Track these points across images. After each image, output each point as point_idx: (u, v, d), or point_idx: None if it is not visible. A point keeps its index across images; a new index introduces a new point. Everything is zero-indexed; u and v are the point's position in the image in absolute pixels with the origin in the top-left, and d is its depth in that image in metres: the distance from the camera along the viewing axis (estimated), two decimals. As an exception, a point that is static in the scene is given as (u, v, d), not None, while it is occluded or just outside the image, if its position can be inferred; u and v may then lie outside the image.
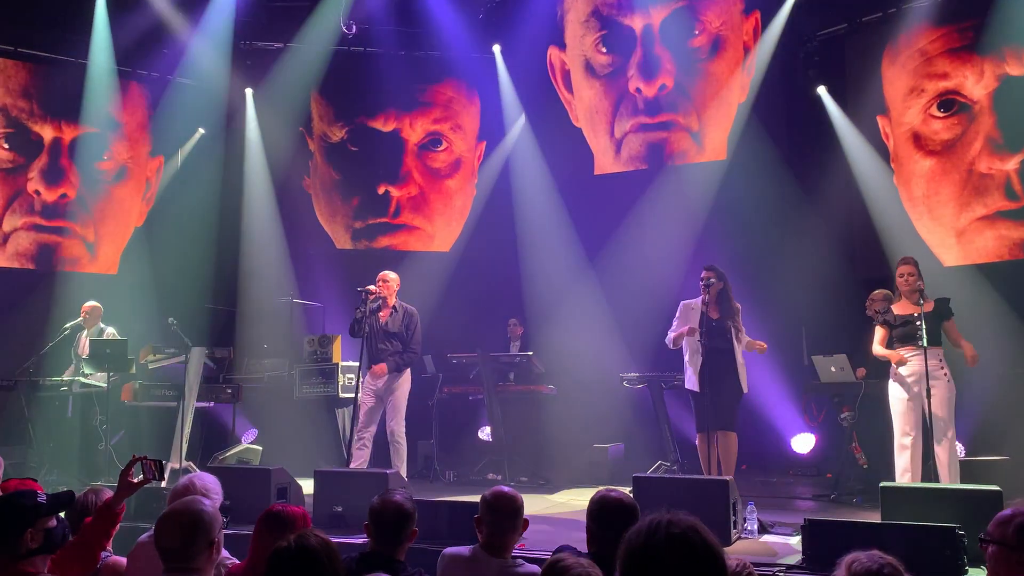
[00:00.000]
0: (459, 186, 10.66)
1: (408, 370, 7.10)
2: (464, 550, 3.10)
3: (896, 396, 5.87)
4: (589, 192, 9.75)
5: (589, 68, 9.93)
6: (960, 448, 6.26)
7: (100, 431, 7.65)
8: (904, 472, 5.75)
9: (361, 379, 6.82)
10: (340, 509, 5.32)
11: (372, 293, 6.98)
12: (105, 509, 3.00)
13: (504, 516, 3.09)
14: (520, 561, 3.04)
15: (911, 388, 5.77)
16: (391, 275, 7.20)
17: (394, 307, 7.15)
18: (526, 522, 3.18)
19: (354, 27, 9.83)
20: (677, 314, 6.45)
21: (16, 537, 2.64)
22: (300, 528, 3.01)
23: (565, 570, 2.22)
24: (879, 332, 6.01)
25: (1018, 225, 7.75)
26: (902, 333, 5.85)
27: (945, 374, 5.71)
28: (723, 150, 9.23)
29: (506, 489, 3.20)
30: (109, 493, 3.39)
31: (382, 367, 6.92)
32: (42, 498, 2.76)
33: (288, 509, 3.11)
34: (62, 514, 2.88)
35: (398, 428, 6.93)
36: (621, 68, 9.70)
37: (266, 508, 3.16)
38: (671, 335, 6.43)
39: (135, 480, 3.14)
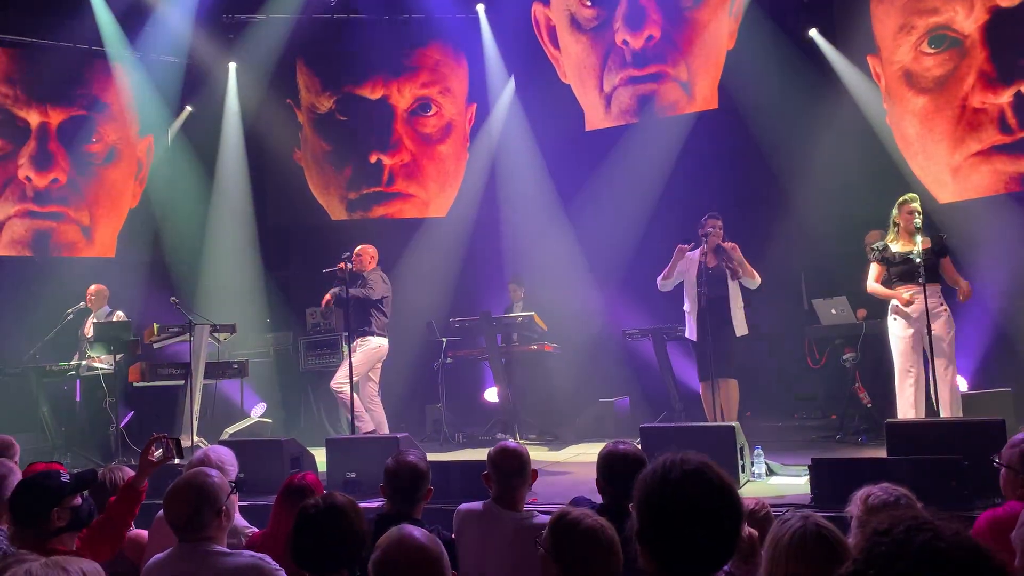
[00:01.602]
0: (451, 151, 10.60)
1: (369, 337, 7.25)
2: (477, 505, 3.16)
3: (896, 334, 5.88)
4: (582, 148, 9.71)
5: (575, 23, 9.82)
6: (963, 382, 6.33)
7: (109, 413, 7.71)
8: (907, 409, 5.79)
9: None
10: (354, 475, 5.38)
11: (342, 270, 7.10)
12: (128, 488, 3.06)
13: (510, 470, 3.14)
14: (535, 512, 3.10)
15: (912, 325, 5.78)
16: (366, 248, 7.45)
17: (364, 277, 7.37)
18: (535, 473, 3.23)
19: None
20: (673, 258, 6.52)
21: (43, 516, 2.70)
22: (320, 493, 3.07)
23: (574, 524, 2.25)
24: (875, 269, 5.98)
25: (1013, 158, 7.73)
26: (902, 271, 5.82)
27: (945, 310, 5.73)
28: (714, 99, 9.17)
29: (510, 443, 3.25)
30: (129, 471, 3.45)
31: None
32: (65, 477, 2.81)
33: (307, 479, 3.17)
34: (86, 493, 2.92)
35: (333, 383, 7.23)
36: (607, 21, 9.59)
37: (285, 480, 3.22)
38: (660, 279, 6.58)
39: (155, 459, 3.19)
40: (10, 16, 9.36)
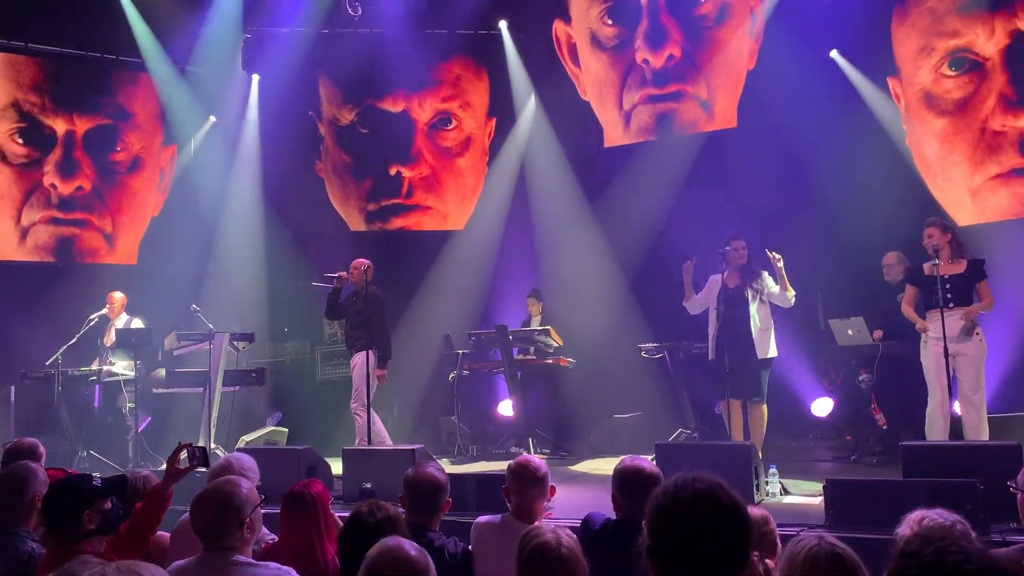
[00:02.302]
0: (470, 164, 10.68)
1: (367, 352, 7.22)
2: (495, 518, 3.19)
3: (924, 355, 5.89)
4: (600, 165, 9.76)
5: (595, 41, 9.89)
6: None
7: (128, 418, 7.80)
8: (936, 434, 5.76)
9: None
10: (369, 485, 5.43)
11: (341, 280, 7.21)
12: (154, 494, 3.11)
13: (530, 483, 3.17)
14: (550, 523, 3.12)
15: (936, 347, 5.77)
16: (361, 262, 7.43)
17: (358, 290, 7.36)
18: (553, 488, 3.26)
19: (359, 8, 9.83)
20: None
21: (75, 518, 2.75)
22: (321, 504, 3.13)
23: (542, 548, 2.31)
24: (908, 291, 6.05)
25: (1033, 182, 7.72)
26: (929, 293, 5.85)
27: (977, 334, 5.71)
28: (733, 118, 9.20)
29: (531, 458, 3.30)
30: (154, 477, 3.51)
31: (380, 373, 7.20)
32: (97, 481, 2.87)
33: (311, 487, 3.21)
34: (115, 497, 2.98)
35: (352, 404, 7.23)
36: (627, 39, 9.66)
37: (289, 488, 3.27)
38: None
39: (182, 467, 3.24)
40: (38, 26, 9.52)
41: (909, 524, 2.47)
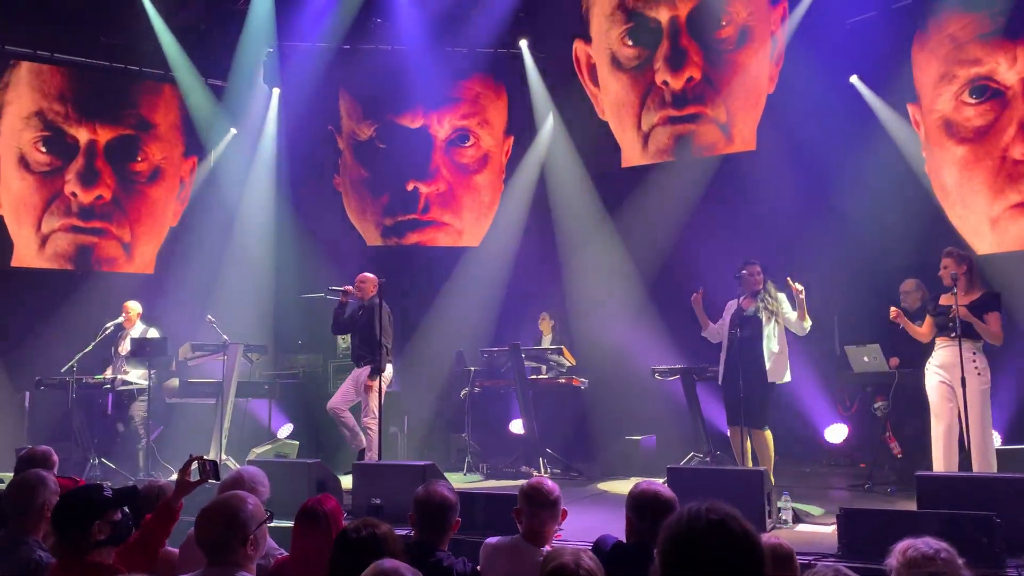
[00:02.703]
0: (487, 181, 10.72)
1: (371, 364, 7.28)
2: (505, 540, 3.17)
3: (931, 385, 5.87)
4: (617, 185, 9.77)
5: (615, 61, 9.93)
6: (997, 436, 6.23)
7: (140, 427, 7.82)
8: (940, 462, 5.74)
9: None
10: (379, 501, 5.40)
11: (347, 294, 7.28)
12: (164, 507, 3.11)
13: (542, 506, 3.15)
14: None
15: (944, 378, 5.77)
16: (368, 276, 7.48)
17: (366, 306, 7.39)
18: (564, 512, 3.24)
19: (381, 22, 9.91)
20: (694, 309, 6.56)
21: (86, 528, 2.75)
22: (334, 520, 3.11)
23: (561, 570, 2.27)
24: (925, 321, 6.03)
25: (1054, 212, 7.66)
26: (941, 322, 5.85)
27: (975, 366, 5.66)
28: (752, 140, 9.20)
29: (544, 480, 3.28)
30: (167, 486, 3.51)
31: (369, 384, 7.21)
32: (108, 491, 2.87)
33: (324, 503, 3.20)
34: (126, 508, 2.98)
35: (364, 418, 7.25)
36: (647, 61, 9.69)
37: (303, 504, 3.25)
38: (702, 333, 6.66)
39: (192, 480, 3.24)
40: (65, 36, 9.65)
41: (895, 555, 2.46)
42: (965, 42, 8.09)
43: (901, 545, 2.46)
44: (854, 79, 8.64)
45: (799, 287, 6.12)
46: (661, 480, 4.25)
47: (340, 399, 7.41)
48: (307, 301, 9.83)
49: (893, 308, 6.21)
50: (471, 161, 10.73)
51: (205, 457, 3.23)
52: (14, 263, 9.50)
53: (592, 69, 10.13)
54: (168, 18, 9.71)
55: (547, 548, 3.10)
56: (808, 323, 6.27)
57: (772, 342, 6.28)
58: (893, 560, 2.45)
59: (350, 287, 7.36)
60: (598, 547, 3.03)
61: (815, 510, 5.57)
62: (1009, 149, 7.85)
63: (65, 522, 2.77)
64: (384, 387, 7.25)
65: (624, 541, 2.94)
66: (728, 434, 6.57)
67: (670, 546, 1.70)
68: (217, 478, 3.25)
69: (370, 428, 7.18)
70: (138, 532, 3.01)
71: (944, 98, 8.20)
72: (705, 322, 6.62)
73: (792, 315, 6.29)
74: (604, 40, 9.99)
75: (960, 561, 2.41)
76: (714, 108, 9.38)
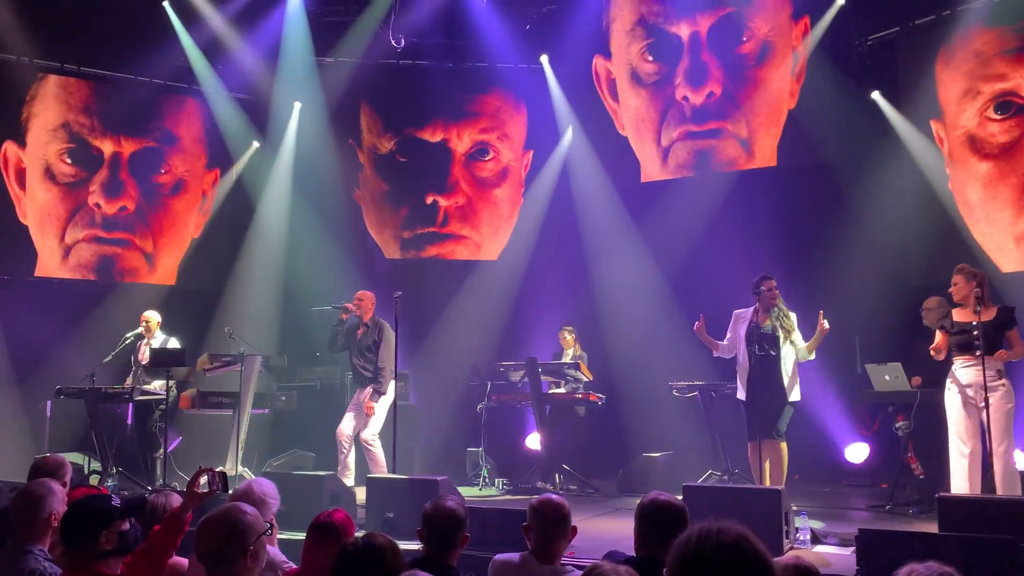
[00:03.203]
0: (506, 195, 10.74)
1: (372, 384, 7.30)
2: (514, 556, 3.14)
3: (952, 405, 5.78)
4: (636, 200, 9.74)
5: (635, 77, 9.92)
6: (1021, 458, 6.12)
7: (158, 437, 7.85)
8: (961, 484, 5.64)
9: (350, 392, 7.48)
10: (392, 515, 5.39)
11: (347, 312, 7.34)
12: (172, 518, 3.10)
13: (552, 523, 3.11)
14: (570, 568, 3.07)
15: (967, 398, 5.68)
16: (367, 294, 7.53)
17: (367, 324, 7.43)
18: (574, 529, 3.20)
19: (403, 41, 9.99)
20: (730, 325, 6.47)
21: (92, 538, 2.75)
22: (345, 533, 3.09)
23: None
24: (937, 337, 5.93)
25: (1080, 229, 7.53)
26: (959, 341, 5.75)
27: (1003, 384, 5.58)
28: (772, 156, 9.14)
29: (554, 496, 3.24)
30: (177, 497, 3.50)
31: (369, 406, 7.21)
32: (116, 501, 2.87)
33: (335, 516, 3.18)
34: (134, 518, 2.98)
35: (367, 435, 7.24)
36: (668, 76, 9.67)
37: (314, 518, 3.24)
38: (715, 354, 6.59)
39: (201, 491, 3.23)
40: (92, 50, 9.80)
41: None
42: (990, 57, 8.01)
43: (904, 570, 2.40)
44: (876, 95, 8.57)
45: (826, 325, 6.04)
46: (677, 497, 4.19)
47: (345, 424, 7.37)
48: (325, 314, 9.89)
49: (916, 377, 6.22)
50: (490, 175, 10.75)
51: (215, 469, 3.23)
52: (38, 273, 9.61)
53: (612, 84, 10.13)
54: (193, 32, 9.83)
55: (557, 565, 3.06)
56: (812, 356, 6.23)
57: (788, 362, 6.21)
58: None
59: (350, 304, 7.37)
60: (611, 558, 2.98)
61: (815, 523, 5.47)
62: (1035, 166, 7.74)
63: (72, 532, 2.77)
64: (385, 407, 7.25)
65: (634, 556, 2.89)
66: (748, 451, 6.48)
67: (679, 566, 1.65)
68: (226, 490, 3.24)
69: (371, 446, 7.19)
70: (145, 543, 3.01)
71: (968, 114, 8.11)
72: (714, 344, 6.55)
73: (801, 342, 6.21)
74: (624, 55, 9.99)
75: None
76: (734, 124, 9.34)
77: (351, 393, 8.52)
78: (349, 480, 7.14)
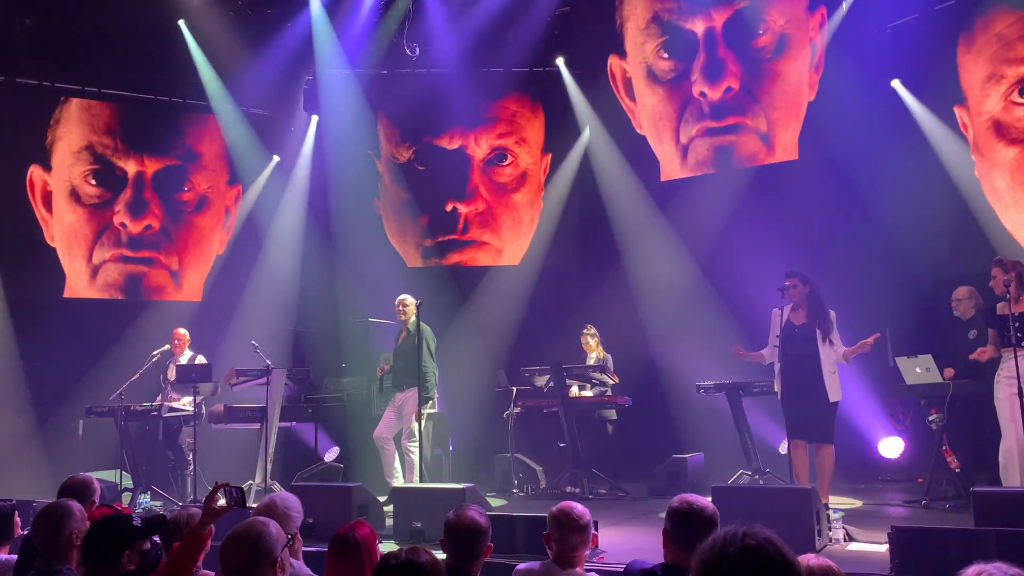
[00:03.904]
0: (526, 199, 10.71)
1: (415, 388, 7.32)
2: (535, 565, 3.11)
3: (999, 397, 5.74)
4: (656, 199, 9.67)
5: (651, 75, 9.86)
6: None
7: (188, 454, 7.92)
8: (1010, 477, 5.54)
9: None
10: (419, 525, 5.38)
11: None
12: (192, 534, 3.10)
13: (571, 531, 3.08)
14: (593, 574, 3.03)
15: (1006, 390, 5.60)
16: (407, 298, 7.67)
17: (408, 328, 7.57)
18: (595, 537, 3.16)
19: (417, 50, 10.01)
20: (771, 324, 6.35)
21: (115, 559, 2.76)
22: (366, 546, 3.07)
23: None
24: (989, 335, 5.90)
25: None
26: (999, 333, 5.70)
27: None
28: (794, 150, 9.04)
29: (573, 504, 3.20)
30: (198, 512, 3.51)
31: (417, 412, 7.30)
32: (137, 521, 2.88)
33: (357, 531, 3.16)
34: (156, 537, 2.99)
35: (406, 441, 7.39)
36: (684, 73, 9.60)
37: (336, 531, 3.22)
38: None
39: (219, 506, 3.23)
40: (112, 72, 9.95)
41: None
42: (1013, 40, 7.85)
43: (971, 571, 2.32)
44: (896, 83, 8.44)
45: (870, 344, 5.99)
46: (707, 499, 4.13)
47: (384, 428, 7.51)
48: (351, 324, 9.94)
49: (948, 369, 6.15)
50: (509, 180, 10.73)
51: (231, 484, 3.22)
52: (66, 294, 9.75)
53: (628, 84, 10.07)
54: (210, 51, 9.93)
55: (578, 571, 3.02)
56: (847, 360, 6.12)
57: (828, 362, 6.07)
58: None
59: (397, 306, 7.61)
60: (628, 572, 2.94)
61: (867, 531, 5.37)
62: (1063, 149, 7.58)
63: (95, 553, 2.78)
64: (426, 413, 7.33)
65: (655, 568, 2.83)
66: (781, 450, 6.39)
67: (704, 570, 1.63)
68: (244, 505, 3.23)
69: (411, 452, 7.23)
70: (165, 561, 3.01)
71: (992, 99, 7.96)
72: (759, 356, 6.45)
73: (840, 346, 6.10)
74: (639, 54, 9.93)
75: None
76: (754, 118, 9.25)
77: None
78: (398, 481, 7.24)
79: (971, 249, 7.52)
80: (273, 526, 2.64)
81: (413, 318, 7.56)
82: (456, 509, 3.15)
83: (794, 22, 9.05)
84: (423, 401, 7.24)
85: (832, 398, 6.05)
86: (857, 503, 6.74)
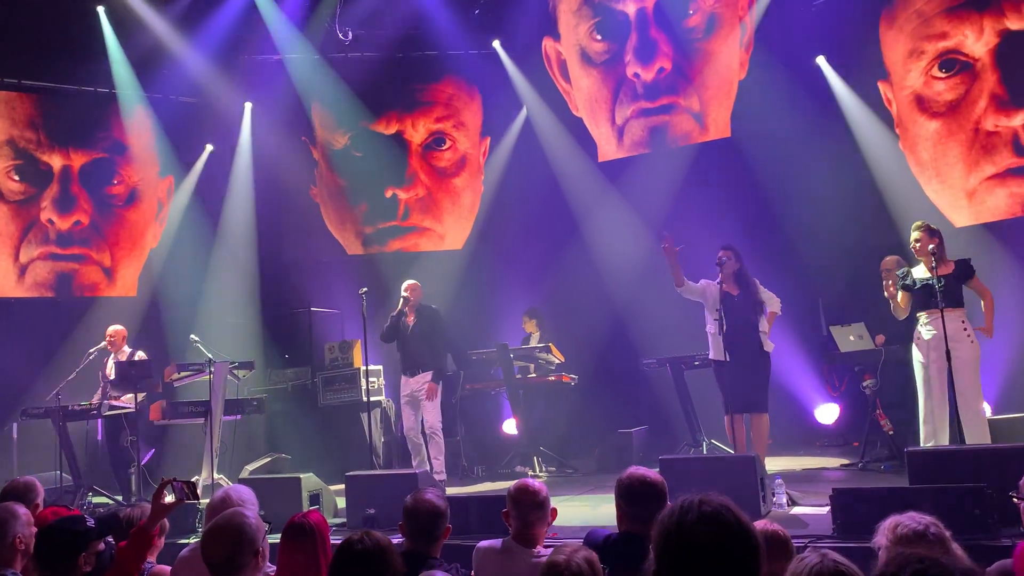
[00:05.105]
0: (466, 184, 10.70)
1: (427, 372, 7.39)
2: (496, 543, 3.16)
3: (919, 361, 5.86)
4: (594, 179, 9.76)
5: (585, 57, 9.93)
6: (987, 407, 6.25)
7: (131, 451, 7.76)
8: (929, 438, 5.74)
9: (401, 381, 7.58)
10: (372, 511, 5.38)
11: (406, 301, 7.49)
12: (139, 532, 3.05)
13: (530, 508, 3.14)
14: (551, 549, 3.09)
15: (931, 352, 5.75)
16: (415, 284, 7.64)
17: (416, 311, 7.54)
18: (554, 511, 3.23)
19: (350, 34, 9.88)
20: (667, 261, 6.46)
21: (71, 562, 2.72)
22: (320, 534, 3.08)
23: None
24: (899, 295, 5.99)
25: (1029, 181, 7.71)
26: (921, 297, 5.84)
27: (968, 335, 5.66)
28: (726, 128, 9.22)
29: (530, 482, 3.26)
30: (148, 509, 3.46)
31: (432, 387, 7.37)
32: (91, 522, 2.83)
33: (310, 517, 3.17)
34: (109, 537, 2.94)
35: (434, 422, 7.39)
36: (617, 54, 9.69)
37: (289, 519, 3.22)
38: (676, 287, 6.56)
39: (167, 502, 3.18)
40: (31, 62, 9.57)
41: (884, 533, 2.45)
42: (931, 16, 8.13)
43: (888, 522, 2.46)
44: (820, 60, 8.67)
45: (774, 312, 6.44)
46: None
47: (409, 422, 7.51)
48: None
49: (879, 336, 6.36)
50: (449, 164, 10.70)
51: (179, 479, 3.18)
52: (-6, 294, 9.42)
53: (563, 66, 10.12)
54: (132, 39, 9.61)
55: (539, 548, 3.09)
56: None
57: (762, 324, 6.31)
58: (882, 538, 2.44)
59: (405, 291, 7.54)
60: (589, 541, 3.02)
61: (808, 494, 5.56)
62: (981, 121, 7.90)
63: (50, 556, 2.73)
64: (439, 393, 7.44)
65: (613, 535, 2.92)
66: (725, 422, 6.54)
67: (663, 540, 1.69)
68: (196, 498, 3.20)
69: (436, 434, 7.35)
70: (114, 561, 2.96)
71: (914, 74, 8.24)
72: (680, 275, 6.43)
73: (771, 301, 6.37)
74: (573, 36, 9.98)
75: (948, 534, 2.41)
76: (687, 98, 9.40)
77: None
78: (441, 475, 7.25)
79: (897, 219, 7.79)
80: (252, 516, 2.65)
81: (419, 301, 7.57)
82: (413, 493, 3.18)
83: (724, 2, 9.20)
84: (436, 376, 7.40)
85: (766, 348, 6.28)
86: (797, 468, 6.96)
